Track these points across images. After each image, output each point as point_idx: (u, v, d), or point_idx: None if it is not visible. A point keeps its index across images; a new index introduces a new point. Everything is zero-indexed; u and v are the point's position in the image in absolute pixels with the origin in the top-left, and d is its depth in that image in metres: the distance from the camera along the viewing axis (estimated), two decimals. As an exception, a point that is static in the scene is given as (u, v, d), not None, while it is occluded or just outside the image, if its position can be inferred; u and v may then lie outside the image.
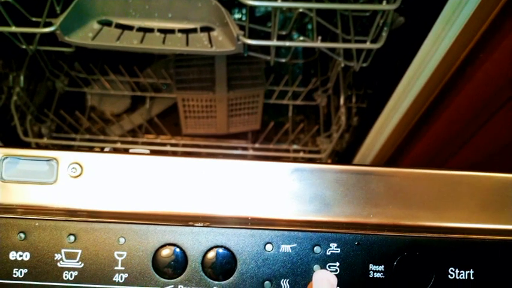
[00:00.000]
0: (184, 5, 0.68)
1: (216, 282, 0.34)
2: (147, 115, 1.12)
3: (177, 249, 0.34)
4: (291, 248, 0.34)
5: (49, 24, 0.66)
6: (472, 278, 0.34)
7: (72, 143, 1.04)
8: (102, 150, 0.37)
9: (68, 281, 0.34)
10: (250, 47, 0.70)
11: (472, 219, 0.36)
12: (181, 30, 0.69)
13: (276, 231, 0.34)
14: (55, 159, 0.35)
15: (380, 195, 0.35)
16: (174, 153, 1.04)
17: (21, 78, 0.95)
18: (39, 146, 1.00)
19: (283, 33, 0.90)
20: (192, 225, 0.34)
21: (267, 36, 0.73)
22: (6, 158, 0.35)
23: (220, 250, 0.34)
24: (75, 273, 0.34)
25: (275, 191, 0.35)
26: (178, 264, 0.34)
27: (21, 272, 0.34)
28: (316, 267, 0.34)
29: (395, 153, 0.82)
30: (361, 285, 0.34)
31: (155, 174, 0.36)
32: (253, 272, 0.34)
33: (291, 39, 1.11)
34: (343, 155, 1.01)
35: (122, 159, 0.36)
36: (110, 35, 0.68)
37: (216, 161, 0.36)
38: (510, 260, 0.35)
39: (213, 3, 0.66)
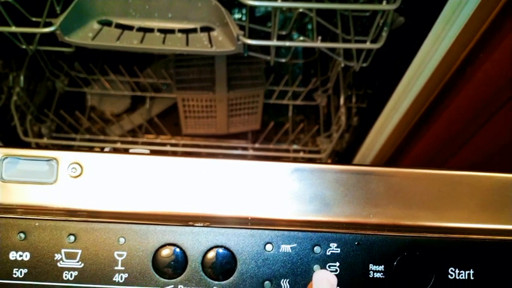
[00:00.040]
0: (184, 5, 0.68)
1: (216, 282, 0.34)
2: (147, 115, 1.12)
3: (177, 249, 0.34)
4: (291, 248, 0.34)
5: (49, 24, 0.66)
6: (472, 278, 0.34)
7: (72, 143, 1.04)
8: (102, 150, 0.37)
9: (68, 281, 0.34)
10: (250, 47, 0.70)
11: (472, 219, 0.36)
12: (181, 30, 0.69)
13: (276, 231, 0.34)
14: (55, 159, 0.35)
15: (380, 195, 0.35)
16: (174, 153, 1.04)
17: (21, 78, 0.95)
18: (39, 146, 1.00)
19: (283, 33, 0.90)
20: (192, 225, 0.34)
21: (267, 36, 0.73)
22: (6, 158, 0.35)
23: (220, 250, 0.34)
24: (75, 273, 0.34)
25: (275, 191, 0.35)
26: (178, 264, 0.34)
27: (21, 272, 0.34)
28: (316, 267, 0.34)
29: (396, 153, 0.82)
30: (361, 285, 0.34)
31: (155, 174, 0.36)
32: (253, 272, 0.34)
33: (291, 39, 1.11)
34: (343, 155, 1.01)
35: (122, 159, 0.36)
36: (110, 35, 0.68)
37: (216, 161, 0.36)
38: (510, 260, 0.35)
39: (213, 3, 0.66)
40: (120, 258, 0.34)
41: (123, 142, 1.07)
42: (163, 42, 0.68)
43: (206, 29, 0.70)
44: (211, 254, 0.34)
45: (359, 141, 0.88)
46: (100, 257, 0.34)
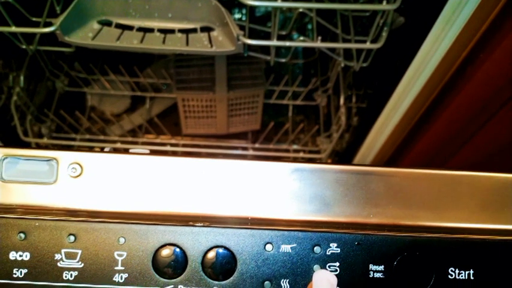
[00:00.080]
0: (184, 5, 0.68)
1: (216, 282, 0.34)
2: (147, 115, 1.12)
3: (177, 249, 0.34)
4: (291, 248, 0.34)
5: (49, 24, 0.66)
6: (472, 278, 0.34)
7: (72, 143, 1.04)
8: (102, 150, 0.37)
9: (68, 281, 0.34)
10: (250, 47, 0.70)
11: (472, 219, 0.36)
12: (181, 30, 0.69)
13: (276, 231, 0.34)
14: (55, 159, 0.35)
15: (380, 195, 0.35)
16: (174, 153, 1.04)
17: (21, 78, 0.95)
18: (39, 146, 1.00)
19: (283, 33, 0.90)
20: (192, 225, 0.34)
21: (267, 36, 0.73)
22: (6, 158, 0.35)
23: (220, 250, 0.34)
24: (75, 273, 0.34)
25: (275, 191, 0.35)
26: (178, 264, 0.34)
27: (21, 272, 0.34)
28: (316, 267, 0.34)
29: (395, 153, 0.82)
30: (361, 285, 0.34)
31: (155, 174, 0.36)
32: (253, 272, 0.34)
33: (291, 39, 1.11)
34: (343, 155, 1.01)
35: (122, 159, 0.36)
36: (110, 35, 0.68)
37: (216, 161, 0.36)
38: (510, 260, 0.35)
39: (213, 3, 0.66)
40: (120, 258, 0.34)
41: (123, 142, 1.07)
42: (163, 42, 0.68)
43: (206, 29, 0.70)
44: (211, 254, 0.34)
45: (359, 141, 0.88)
46: (100, 257, 0.34)
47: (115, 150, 0.37)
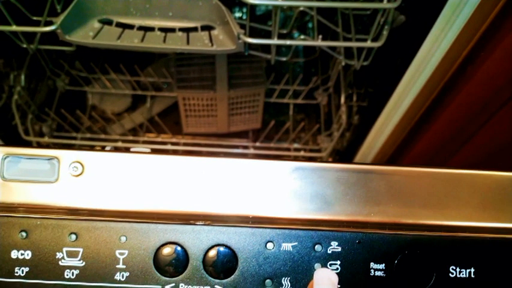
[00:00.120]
0: (185, 4, 0.68)
1: (217, 280, 0.34)
2: (147, 114, 1.12)
3: (178, 248, 0.34)
4: (292, 246, 0.34)
5: (50, 23, 0.66)
6: (473, 276, 0.34)
7: (73, 141, 1.04)
8: (103, 149, 0.37)
9: (69, 279, 0.34)
10: (251, 46, 0.70)
11: (473, 217, 0.36)
12: (182, 29, 0.69)
13: (277, 230, 0.34)
14: (56, 158, 0.35)
15: (381, 194, 0.36)
16: (175, 152, 1.04)
17: (22, 77, 0.95)
18: (40, 145, 1.00)
19: (284, 31, 0.90)
20: (193, 224, 0.34)
21: (267, 35, 0.73)
22: (8, 157, 0.35)
23: (222, 248, 0.34)
24: (76, 272, 0.34)
25: (276, 190, 0.36)
26: (180, 262, 0.34)
27: (22, 270, 0.34)
28: (317, 265, 0.34)
29: (396, 152, 0.82)
30: (362, 284, 0.34)
31: (156, 173, 0.36)
32: (255, 270, 0.34)
33: (291, 37, 1.11)
34: (344, 154, 1.01)
35: (123, 158, 0.36)
36: (111, 34, 0.68)
37: (217, 160, 0.36)
38: (511, 258, 0.35)
39: (214, 2, 0.66)
40: (121, 257, 0.34)
41: (124, 141, 1.07)
42: (164, 41, 0.68)
43: (207, 28, 0.70)
44: (212, 253, 0.34)
45: (360, 139, 0.88)
46: (101, 256, 0.34)
47: (116, 149, 0.37)
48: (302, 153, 1.06)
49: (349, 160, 0.95)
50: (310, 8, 0.78)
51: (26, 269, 0.34)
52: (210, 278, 0.34)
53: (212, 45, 0.68)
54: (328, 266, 0.34)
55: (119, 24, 0.69)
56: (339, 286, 0.34)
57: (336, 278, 0.33)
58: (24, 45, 0.74)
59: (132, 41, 0.68)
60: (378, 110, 0.77)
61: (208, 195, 0.35)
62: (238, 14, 1.06)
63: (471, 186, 0.36)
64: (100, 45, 0.68)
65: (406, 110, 0.72)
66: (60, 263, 0.34)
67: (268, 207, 0.35)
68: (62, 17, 0.65)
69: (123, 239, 0.34)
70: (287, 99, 1.12)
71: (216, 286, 0.34)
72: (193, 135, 1.10)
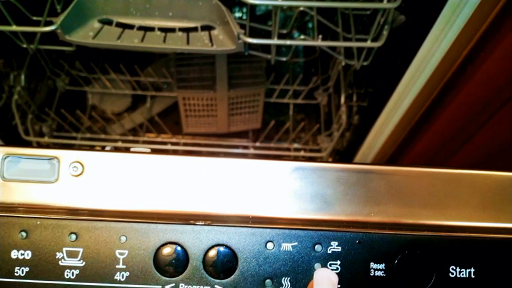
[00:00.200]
0: (185, 4, 0.68)
1: (217, 280, 0.34)
2: (147, 114, 1.12)
3: (178, 248, 0.34)
4: (292, 246, 0.34)
5: (50, 23, 0.66)
6: (473, 276, 0.34)
7: (73, 141, 1.04)
8: (103, 149, 0.37)
9: (69, 279, 0.34)
10: (251, 46, 0.70)
11: (473, 217, 0.36)
12: (182, 29, 0.69)
13: (277, 230, 0.34)
14: (56, 158, 0.35)
15: (381, 194, 0.36)
16: (175, 152, 1.04)
17: (22, 77, 0.95)
18: (40, 145, 1.00)
19: (284, 31, 0.90)
20: (193, 224, 0.34)
21: (267, 35, 0.73)
22: (8, 157, 0.35)
23: (222, 248, 0.34)
24: (76, 272, 0.34)
25: (276, 190, 0.36)
26: (180, 262, 0.34)
27: (22, 270, 0.34)
28: (317, 265, 0.34)
29: (396, 152, 0.82)
30: (362, 284, 0.34)
31: (156, 173, 0.36)
32: (255, 270, 0.34)
33: (291, 37, 1.11)
34: (344, 154, 1.01)
35: (123, 158, 0.36)
36: (111, 34, 0.68)
37: (217, 160, 0.36)
38: (511, 258, 0.35)
39: (214, 2, 0.66)
40: (121, 257, 0.34)
41: (124, 141, 1.07)
42: (164, 41, 0.68)
43: (207, 28, 0.70)
44: (212, 253, 0.34)
45: (360, 139, 0.88)
46: (101, 256, 0.34)
47: (116, 149, 0.37)
48: (302, 153, 1.06)
49: (349, 160, 0.95)
50: (310, 8, 0.78)
51: (26, 269, 0.34)
52: (210, 278, 0.34)
53: (212, 45, 0.68)
54: (328, 266, 0.34)
55: (119, 24, 0.69)
56: (339, 286, 0.34)
57: (336, 278, 0.33)
58: (24, 45, 0.74)
59: (132, 41, 0.68)
60: (378, 110, 0.77)
61: (208, 195, 0.35)
62: (238, 14, 1.06)
63: (471, 186, 0.36)
64: (100, 45, 0.68)
65: (406, 110, 0.72)
66: (60, 263, 0.34)
67: (268, 207, 0.35)
68: (62, 17, 0.65)
69: (123, 239, 0.34)
70: (287, 99, 1.12)
71: (216, 286, 0.34)
72: (193, 135, 1.10)
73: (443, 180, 0.36)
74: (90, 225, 0.34)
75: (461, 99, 0.64)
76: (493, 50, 0.56)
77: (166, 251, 0.34)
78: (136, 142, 1.07)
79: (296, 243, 0.34)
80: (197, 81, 0.99)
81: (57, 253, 0.34)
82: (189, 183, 0.35)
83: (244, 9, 1.05)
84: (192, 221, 0.34)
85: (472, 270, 0.34)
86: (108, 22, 0.69)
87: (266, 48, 0.77)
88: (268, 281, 0.34)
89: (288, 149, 1.08)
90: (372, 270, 0.34)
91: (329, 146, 1.02)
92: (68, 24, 0.66)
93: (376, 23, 0.67)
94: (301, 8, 0.84)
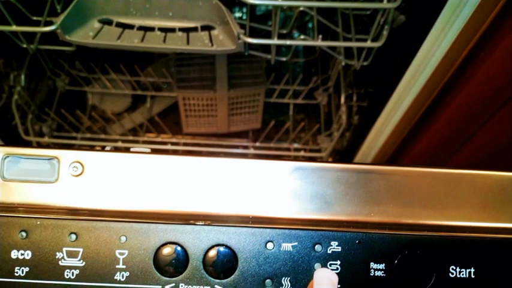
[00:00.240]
0: (185, 4, 0.68)
1: (217, 280, 0.34)
2: (147, 114, 1.12)
3: (178, 248, 0.34)
4: (292, 246, 0.34)
5: (50, 23, 0.66)
6: (473, 276, 0.34)
7: (73, 141, 1.04)
8: (103, 149, 0.37)
9: (69, 279, 0.34)
10: (251, 46, 0.70)
11: (473, 217, 0.36)
12: (182, 29, 0.69)
13: (277, 230, 0.34)
14: (56, 158, 0.35)
15: (381, 194, 0.36)
16: (175, 152, 1.04)
17: (22, 77, 0.95)
18: (40, 145, 1.00)
19: (284, 31, 0.90)
20: (193, 224, 0.34)
21: (267, 35, 0.73)
22: (8, 157, 0.35)
23: (222, 248, 0.34)
24: (76, 272, 0.34)
25: (276, 190, 0.36)
26: (180, 262, 0.34)
27: (22, 270, 0.34)
28: (317, 265, 0.34)
29: (396, 152, 0.82)
30: (362, 284, 0.34)
31: (156, 173, 0.36)
32: (255, 270, 0.34)
33: (291, 37, 1.11)
34: (344, 154, 1.01)
35: (123, 158, 0.36)
36: (111, 34, 0.68)
37: (217, 160, 0.36)
38: (511, 258, 0.35)
39: (214, 2, 0.66)
40: (121, 257, 0.34)
41: (124, 141, 1.07)
42: (164, 41, 0.68)
43: (207, 28, 0.70)
44: (212, 253, 0.34)
45: (360, 140, 0.88)
46: (101, 256, 0.34)
47: (116, 149, 0.37)
48: (302, 153, 1.06)
49: (349, 160, 0.95)
50: (310, 8, 0.78)
51: (26, 269, 0.34)
52: (210, 278, 0.34)
53: (212, 45, 0.68)
54: (328, 266, 0.34)
55: (119, 24, 0.69)
56: (339, 286, 0.34)
57: (336, 278, 0.33)
58: (24, 45, 0.74)
59: (132, 41, 0.68)
60: (378, 110, 0.77)
61: (208, 195, 0.35)
62: (238, 14, 1.06)
63: (471, 186, 0.36)
64: (100, 45, 0.68)
65: (406, 110, 0.72)
66: (60, 263, 0.34)
67: (268, 207, 0.35)
68: (62, 17, 0.65)
69: (123, 239, 0.34)
70: (287, 99, 1.12)
71: (216, 286, 0.34)
72: (193, 135, 1.10)
73: (443, 180, 0.36)
74: (90, 225, 0.34)
75: (461, 99, 0.64)
76: (493, 50, 0.56)
77: (166, 251, 0.34)
78: (137, 142, 1.07)
79: (296, 243, 0.34)
80: (197, 81, 0.99)
81: (57, 253, 0.34)
82: (189, 183, 0.36)
83: (244, 9, 1.05)
84: (192, 221, 0.34)
85: (472, 270, 0.34)
86: (108, 22, 0.69)
87: (266, 48, 0.77)
88: (268, 281, 0.34)
89: (288, 149, 1.08)
90: (372, 270, 0.34)
91: (329, 146, 1.02)
92: (68, 24, 0.66)
93: (376, 23, 0.67)
94: (301, 8, 0.84)
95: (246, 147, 1.09)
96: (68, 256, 0.34)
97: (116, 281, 0.34)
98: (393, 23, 0.67)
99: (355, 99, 0.96)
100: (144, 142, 1.08)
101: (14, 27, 0.68)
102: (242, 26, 0.68)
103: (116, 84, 1.09)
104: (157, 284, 0.34)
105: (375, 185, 0.36)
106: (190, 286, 0.34)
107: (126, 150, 0.37)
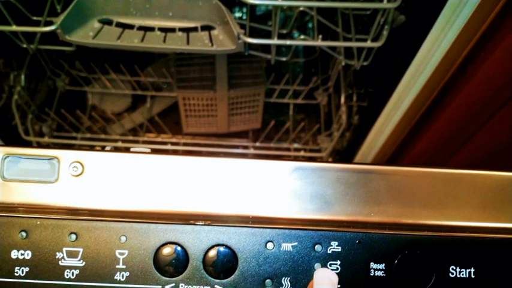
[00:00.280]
0: (185, 4, 0.68)
1: (217, 280, 0.34)
2: (147, 114, 1.12)
3: (178, 248, 0.34)
4: (292, 246, 0.34)
5: (50, 23, 0.66)
6: (473, 276, 0.34)
7: (73, 141, 1.04)
8: (103, 149, 0.37)
9: (69, 279, 0.34)
10: (251, 46, 0.70)
11: (472, 217, 0.36)
12: (182, 29, 0.69)
13: (277, 230, 0.34)
14: (56, 158, 0.35)
15: (381, 194, 0.36)
16: (175, 152, 1.04)
17: (22, 77, 0.95)
18: (40, 145, 1.00)
19: (284, 31, 0.90)
20: (193, 224, 0.34)
21: (267, 35, 0.73)
22: (8, 157, 0.35)
23: (222, 248, 0.34)
24: (76, 272, 0.34)
25: (276, 190, 0.36)
26: (180, 262, 0.34)
27: (22, 270, 0.34)
28: (317, 265, 0.34)
29: (396, 152, 0.82)
30: (362, 284, 0.34)
31: (156, 173, 0.36)
32: (255, 270, 0.34)
33: (291, 37, 1.11)
34: (344, 154, 1.01)
35: (123, 158, 0.36)
36: (111, 34, 0.68)
37: (217, 160, 0.36)
38: (511, 258, 0.35)
39: (214, 2, 0.66)
40: (121, 257, 0.34)
41: (124, 141, 1.07)
42: (164, 41, 0.68)
43: (207, 28, 0.70)
44: (212, 253, 0.34)
45: (360, 140, 0.88)
46: (101, 256, 0.34)
47: (116, 149, 0.37)
48: (302, 153, 1.06)
49: (349, 160, 0.95)
50: (310, 8, 0.78)
51: (26, 269, 0.34)
52: (210, 278, 0.34)
53: (212, 45, 0.68)
54: (328, 266, 0.34)
55: (119, 24, 0.69)
56: (339, 286, 0.34)
57: (336, 278, 0.33)
58: (24, 45, 0.74)
59: (132, 41, 0.68)
60: (378, 110, 0.77)
61: (208, 195, 0.35)
62: (238, 14, 1.06)
63: (471, 186, 0.36)
64: (100, 45, 0.68)
65: (406, 110, 0.72)
66: (60, 263, 0.34)
67: (268, 207, 0.35)
68: (62, 17, 0.65)
69: (123, 239, 0.34)
70: (287, 99, 1.12)
71: (216, 286, 0.34)
72: (193, 135, 1.10)
73: (443, 180, 0.36)
74: (90, 225, 0.34)
75: (461, 99, 0.64)
76: (493, 50, 0.56)
77: (166, 251, 0.34)
78: (137, 142, 1.07)
79: (296, 243, 0.34)
80: (197, 81, 0.99)
81: (57, 253, 0.34)
82: (189, 183, 0.36)
83: (244, 9, 1.05)
84: (192, 221, 0.34)
85: (472, 270, 0.34)
86: (108, 22, 0.69)
87: (266, 48, 0.77)
88: (268, 281, 0.34)
89: (288, 149, 1.08)
90: (372, 270, 0.34)
91: (329, 146, 1.02)
92: (68, 24, 0.66)
93: (376, 23, 0.67)
94: (301, 8, 0.84)
95: (246, 147, 1.09)
96: (68, 256, 0.34)
97: (116, 281, 0.34)
98: (393, 23, 0.67)
99: (355, 99, 0.96)
100: (144, 142, 1.08)
101: (14, 27, 0.68)
102: (242, 26, 0.68)
103: (116, 84, 1.09)
104: (157, 284, 0.34)
105: (375, 185, 0.36)
106: (190, 286, 0.34)
107: (126, 150, 0.37)
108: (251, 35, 0.67)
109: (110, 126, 1.09)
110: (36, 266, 0.34)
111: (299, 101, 1.12)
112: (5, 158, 0.35)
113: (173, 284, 0.34)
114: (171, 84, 1.10)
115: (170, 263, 0.34)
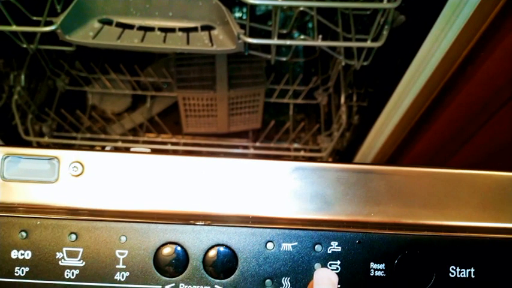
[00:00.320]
0: (185, 4, 0.68)
1: (217, 280, 0.34)
2: (147, 114, 1.12)
3: (178, 248, 0.34)
4: (292, 246, 0.34)
5: (50, 23, 0.66)
6: (473, 276, 0.34)
7: (73, 141, 1.04)
8: (103, 149, 0.37)
9: (69, 279, 0.34)
10: (251, 46, 0.70)
11: (473, 217, 0.36)
12: (182, 29, 0.69)
13: (277, 230, 0.34)
14: (56, 158, 0.35)
15: (381, 194, 0.36)
16: (175, 152, 1.04)
17: (22, 77, 0.95)
18: (40, 145, 1.00)
19: (284, 31, 0.90)
20: (193, 224, 0.34)
21: (267, 35, 0.73)
22: (8, 157, 0.35)
23: (222, 248, 0.34)
24: (76, 272, 0.34)
25: (276, 190, 0.36)
26: (180, 262, 0.34)
27: (22, 270, 0.34)
28: (317, 265, 0.34)
29: (396, 152, 0.82)
30: (362, 284, 0.34)
31: (156, 173, 0.36)
32: (255, 270, 0.34)
33: (291, 37, 1.11)
34: (344, 154, 1.01)
35: (123, 158, 0.36)
36: (111, 34, 0.68)
37: (217, 160, 0.36)
38: (511, 258, 0.35)
39: (214, 2, 0.66)
40: (121, 257, 0.34)
41: (124, 141, 1.07)
42: (164, 41, 0.68)
43: (207, 28, 0.70)
44: (212, 253, 0.34)
45: (360, 140, 0.88)
46: (101, 256, 0.34)
47: (116, 149, 0.37)
48: (302, 153, 1.06)
49: (349, 160, 0.95)
50: (310, 8, 0.78)
51: (26, 269, 0.34)
52: (210, 278, 0.34)
53: (212, 45, 0.68)
54: (328, 266, 0.34)
55: (119, 24, 0.69)
56: (339, 286, 0.34)
57: (336, 278, 0.33)
58: (24, 45, 0.74)
59: (132, 41, 0.68)
60: (378, 110, 0.77)
61: (208, 195, 0.35)
62: (238, 14, 1.06)
63: (471, 186, 0.36)
64: (100, 45, 0.68)
65: (406, 110, 0.72)
66: (60, 263, 0.34)
67: (268, 207, 0.35)
68: (62, 17, 0.65)
69: (123, 239, 0.34)
70: (287, 99, 1.12)
71: (216, 286, 0.34)
72: (193, 135, 1.10)
73: (443, 180, 0.36)
74: (90, 225, 0.34)
75: (461, 99, 0.64)
76: (493, 50, 0.56)
77: (166, 251, 0.34)
78: (137, 142, 1.07)
79: (296, 243, 0.34)
80: (197, 81, 0.99)
81: (57, 253, 0.34)
82: (189, 183, 0.36)
83: (244, 9, 1.05)
84: (192, 221, 0.34)
85: (472, 270, 0.34)
86: (108, 22, 0.69)
87: (266, 48, 0.77)
88: (268, 281, 0.34)
89: (288, 149, 1.08)
90: (372, 270, 0.34)
91: (329, 146, 1.02)
92: (68, 24, 0.66)
93: (376, 23, 0.67)
94: (301, 8, 0.84)
95: (246, 147, 1.09)
96: (68, 256, 0.34)
97: (116, 281, 0.34)
98: (393, 23, 0.67)
99: (355, 99, 0.96)
100: (144, 142, 1.08)
101: (14, 27, 0.68)
102: (242, 26, 0.68)
103: (116, 84, 1.09)
104: (157, 284, 0.34)
105: (375, 185, 0.36)
106: (190, 286, 0.34)
107: (126, 150, 0.37)
108: (251, 35, 0.67)
109: (110, 126, 1.09)
110: (36, 266, 0.34)
111: (299, 101, 1.12)
112: (5, 158, 0.35)
113: (173, 284, 0.34)
114: (171, 84, 1.10)
115: (170, 263, 0.34)
